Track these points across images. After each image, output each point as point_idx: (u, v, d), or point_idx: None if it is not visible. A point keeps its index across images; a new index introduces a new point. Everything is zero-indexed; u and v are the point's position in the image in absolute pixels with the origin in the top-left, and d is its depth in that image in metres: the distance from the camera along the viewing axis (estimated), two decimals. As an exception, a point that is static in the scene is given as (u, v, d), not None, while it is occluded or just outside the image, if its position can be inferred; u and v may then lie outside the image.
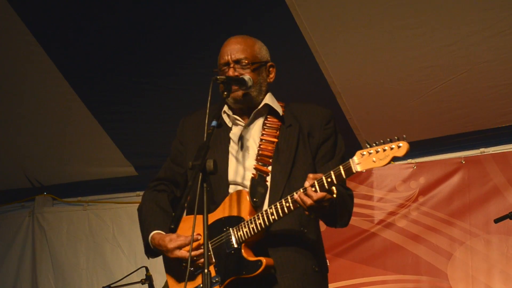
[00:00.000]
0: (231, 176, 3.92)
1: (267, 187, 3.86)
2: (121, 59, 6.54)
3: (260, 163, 3.91)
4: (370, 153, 3.45)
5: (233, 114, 4.06)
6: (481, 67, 5.97)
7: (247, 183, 3.88)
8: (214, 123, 3.68)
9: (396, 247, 6.76)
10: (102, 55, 6.55)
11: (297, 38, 5.96)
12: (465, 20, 5.66)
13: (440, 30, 5.77)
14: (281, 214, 3.66)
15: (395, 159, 3.46)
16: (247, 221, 3.74)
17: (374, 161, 3.44)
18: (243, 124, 4.02)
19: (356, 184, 6.89)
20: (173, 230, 3.44)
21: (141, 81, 6.73)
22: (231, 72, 3.95)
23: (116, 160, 7.67)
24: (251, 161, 3.92)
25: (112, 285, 6.75)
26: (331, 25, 5.93)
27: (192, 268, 3.82)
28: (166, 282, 4.11)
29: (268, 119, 4.02)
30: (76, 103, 7.02)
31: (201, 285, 3.71)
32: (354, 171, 3.49)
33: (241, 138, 3.99)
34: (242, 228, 3.74)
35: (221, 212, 3.84)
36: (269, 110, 4.04)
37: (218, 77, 3.89)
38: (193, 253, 3.75)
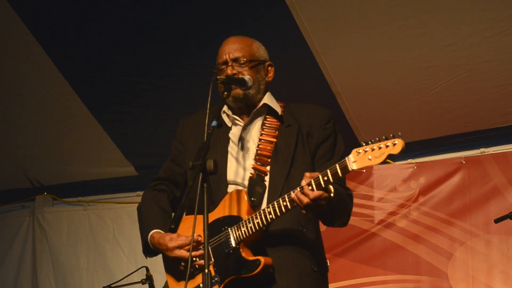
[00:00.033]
0: (230, 176, 3.93)
1: (266, 187, 3.86)
2: (121, 59, 6.54)
3: (258, 163, 3.91)
4: (365, 151, 3.46)
5: (233, 114, 4.06)
6: (481, 67, 5.97)
7: (246, 183, 3.89)
8: (214, 123, 3.70)
9: (396, 247, 6.76)
10: (102, 55, 6.55)
11: (297, 38, 5.96)
12: (465, 20, 5.66)
13: (440, 30, 5.76)
14: (278, 213, 3.66)
15: (390, 156, 3.46)
16: (245, 221, 3.74)
17: (370, 159, 3.44)
18: (242, 124, 4.03)
19: (356, 184, 6.89)
20: (173, 230, 3.44)
21: (141, 81, 6.73)
22: (229, 71, 3.97)
23: (116, 160, 7.67)
24: (250, 161, 3.93)
25: (112, 285, 6.75)
26: (331, 25, 5.92)
27: (192, 270, 3.83)
28: (166, 282, 4.11)
29: (267, 119, 4.03)
30: (76, 103, 7.02)
31: (201, 285, 3.74)
32: (350, 169, 3.49)
33: (240, 138, 4.00)
34: (240, 227, 3.75)
35: (220, 211, 3.85)
36: (268, 110, 4.05)
37: (218, 77, 3.91)
38: (193, 253, 3.76)
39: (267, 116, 4.04)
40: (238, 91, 3.95)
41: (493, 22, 5.62)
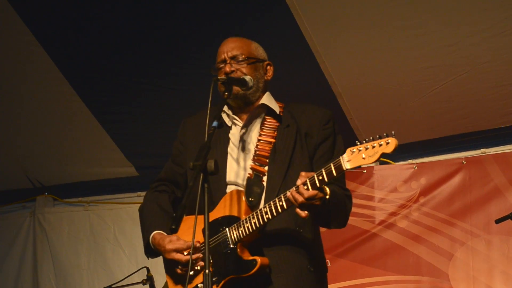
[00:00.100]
0: (229, 177, 3.93)
1: (264, 187, 3.86)
2: (122, 59, 6.55)
3: (257, 163, 3.91)
4: (359, 150, 3.45)
5: (233, 113, 4.07)
6: (482, 68, 5.96)
7: (245, 183, 3.90)
8: (215, 123, 3.70)
9: (397, 248, 6.75)
10: (102, 55, 6.55)
11: (297, 38, 5.96)
12: (465, 20, 5.66)
13: (440, 30, 5.76)
14: (275, 213, 3.66)
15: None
16: (243, 221, 3.75)
17: (364, 158, 3.44)
18: (241, 125, 4.04)
19: (357, 185, 6.89)
20: (174, 231, 3.43)
21: (141, 81, 6.73)
22: (227, 68, 3.99)
23: (117, 161, 7.67)
24: (248, 162, 3.93)
25: (113, 286, 6.76)
26: (332, 25, 5.92)
27: (192, 272, 3.84)
28: (166, 283, 4.12)
29: (267, 119, 4.04)
30: (76, 103, 7.03)
31: (199, 285, 3.75)
32: (344, 168, 3.48)
33: (240, 139, 4.01)
34: (238, 227, 3.75)
35: (218, 212, 3.85)
36: (268, 111, 4.05)
37: (219, 77, 3.92)
38: (187, 257, 3.80)
39: (267, 117, 4.04)
40: (237, 89, 3.95)
41: (494, 22, 5.61)
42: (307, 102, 4.20)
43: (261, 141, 3.97)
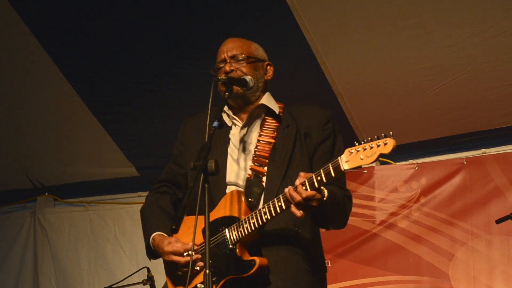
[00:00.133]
0: (229, 177, 3.93)
1: (263, 188, 3.86)
2: (122, 59, 6.56)
3: (256, 164, 3.92)
4: (358, 151, 3.45)
5: (233, 114, 4.07)
6: (482, 68, 5.96)
7: (244, 183, 3.90)
8: (215, 123, 3.69)
9: (397, 248, 6.75)
10: (102, 55, 6.56)
11: (298, 38, 5.96)
12: (466, 20, 5.65)
13: (441, 30, 5.76)
14: (273, 214, 3.66)
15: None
16: (242, 221, 3.75)
17: (362, 159, 3.44)
18: (241, 125, 4.04)
19: (357, 185, 6.89)
20: (175, 231, 3.44)
21: (141, 81, 6.74)
22: (227, 67, 3.99)
23: (117, 161, 7.67)
24: (248, 162, 3.93)
25: (113, 286, 6.77)
26: (332, 26, 5.92)
27: (192, 273, 3.84)
28: (166, 283, 4.12)
29: (267, 120, 4.04)
30: (77, 103, 7.03)
31: (198, 285, 3.74)
32: (342, 169, 3.48)
33: (239, 139, 4.01)
34: (237, 228, 3.75)
35: (218, 212, 3.85)
36: (267, 111, 4.05)
37: (220, 77, 3.93)
38: (185, 259, 3.82)
39: (266, 117, 4.05)
40: (237, 88, 3.95)
41: (494, 23, 5.61)
42: (307, 102, 4.20)
43: (261, 141, 3.97)
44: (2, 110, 7.23)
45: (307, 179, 3.54)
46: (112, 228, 8.08)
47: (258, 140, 3.97)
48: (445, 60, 5.96)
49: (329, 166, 3.51)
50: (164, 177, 4.27)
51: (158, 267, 4.17)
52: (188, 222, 3.76)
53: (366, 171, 6.90)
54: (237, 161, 3.97)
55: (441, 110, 6.40)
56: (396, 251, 6.75)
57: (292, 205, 3.58)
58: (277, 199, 3.65)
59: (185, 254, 3.84)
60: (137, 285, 6.65)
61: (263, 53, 4.14)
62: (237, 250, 3.74)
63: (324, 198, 3.61)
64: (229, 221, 3.80)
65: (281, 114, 4.05)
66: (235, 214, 3.80)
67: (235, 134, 4.04)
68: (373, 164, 6.88)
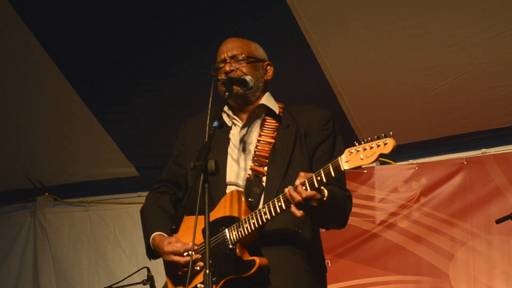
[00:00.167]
0: (229, 177, 3.94)
1: (263, 188, 3.86)
2: (122, 59, 6.56)
3: (256, 164, 3.92)
4: (358, 151, 3.45)
5: (233, 114, 4.08)
6: (482, 68, 5.96)
7: (244, 183, 3.90)
8: (215, 123, 3.70)
9: (397, 248, 6.75)
10: (102, 55, 6.56)
11: (298, 38, 5.96)
12: (466, 20, 5.65)
13: (441, 30, 5.76)
14: (273, 214, 3.66)
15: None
16: (242, 221, 3.75)
17: (362, 159, 3.44)
18: (241, 125, 4.04)
19: (357, 185, 6.89)
20: (175, 231, 3.44)
21: (141, 81, 6.74)
22: (227, 67, 4.00)
23: (117, 161, 7.67)
24: (248, 162, 3.94)
25: (113, 286, 6.77)
26: (332, 26, 5.92)
27: (192, 273, 3.84)
28: (166, 283, 4.13)
29: (267, 120, 4.04)
30: (77, 103, 7.03)
31: (198, 285, 3.74)
32: (342, 169, 3.48)
33: (239, 139, 4.01)
34: (237, 228, 3.76)
35: (218, 212, 3.85)
36: (267, 111, 4.05)
37: (220, 77, 3.93)
38: (185, 259, 3.83)
39: (266, 117, 4.05)
40: (237, 88, 3.95)
41: (494, 23, 5.61)
42: (307, 102, 4.20)
43: (261, 141, 3.97)
44: (2, 110, 7.23)
45: (307, 179, 3.54)
46: (112, 228, 8.08)
47: (258, 140, 3.97)
48: (445, 60, 5.96)
49: (329, 166, 3.51)
50: (164, 177, 4.28)
51: (158, 267, 4.17)
52: (188, 222, 3.76)
53: (366, 171, 6.90)
54: (237, 161, 3.97)
55: (441, 110, 6.40)
56: (396, 251, 6.75)
57: (292, 205, 3.58)
58: (277, 199, 3.65)
59: (185, 254, 3.84)
60: (137, 285, 6.65)
61: (263, 53, 4.14)
62: (237, 250, 3.74)
63: (324, 198, 3.61)
64: (229, 221, 3.80)
65: (281, 114, 4.05)
66: (235, 214, 3.80)
67: (235, 134, 4.04)
68: (373, 164, 6.88)
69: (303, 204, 3.56)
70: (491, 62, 5.89)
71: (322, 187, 3.58)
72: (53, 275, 8.18)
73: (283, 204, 3.64)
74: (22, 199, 8.44)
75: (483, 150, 6.66)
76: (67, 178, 8.06)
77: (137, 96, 6.88)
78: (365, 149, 3.44)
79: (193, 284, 3.84)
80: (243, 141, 4.00)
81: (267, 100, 4.06)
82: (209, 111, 3.74)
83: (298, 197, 3.55)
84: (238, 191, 3.87)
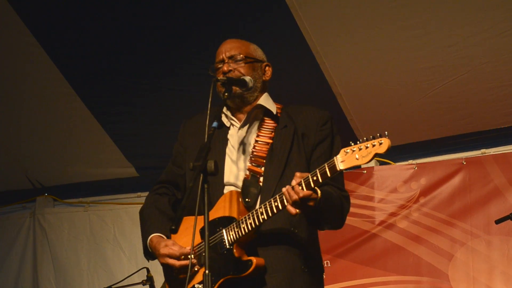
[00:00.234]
0: (226, 177, 3.94)
1: (260, 188, 3.87)
2: (121, 59, 6.56)
3: (253, 164, 3.92)
4: (353, 151, 3.47)
5: (232, 114, 4.08)
6: (482, 68, 5.96)
7: (241, 184, 3.91)
8: (215, 124, 3.71)
9: (397, 248, 6.74)
10: (102, 55, 6.56)
11: (297, 38, 5.96)
12: (465, 21, 5.65)
13: (440, 31, 5.76)
14: (270, 214, 3.67)
15: (378, 155, 3.45)
16: (239, 221, 3.76)
17: (357, 159, 3.45)
18: (238, 125, 4.05)
19: (357, 185, 6.88)
20: (174, 231, 3.45)
21: (141, 81, 6.73)
22: (225, 68, 4.01)
23: (117, 161, 7.67)
24: (246, 162, 3.95)
25: (113, 286, 6.78)
26: (332, 26, 5.93)
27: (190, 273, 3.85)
28: (164, 283, 4.13)
29: (265, 120, 4.05)
30: (77, 103, 7.03)
31: (196, 285, 3.76)
32: (338, 169, 3.49)
33: (237, 139, 4.02)
34: (234, 228, 3.76)
35: (215, 212, 3.85)
36: (265, 111, 4.06)
37: (219, 78, 3.94)
38: (180, 262, 3.85)
39: (264, 118, 4.05)
40: (235, 88, 3.96)
41: (494, 23, 5.61)
42: (307, 102, 4.21)
43: (259, 142, 3.98)
44: (2, 110, 7.23)
45: (303, 179, 3.56)
46: (111, 229, 8.07)
47: (256, 141, 3.98)
48: (445, 60, 5.96)
49: (325, 166, 3.53)
50: (163, 178, 4.28)
51: (157, 268, 4.17)
52: (186, 222, 3.75)
53: (365, 172, 6.90)
54: (235, 162, 3.98)
55: (441, 110, 6.40)
56: (395, 251, 6.75)
57: (288, 204, 3.60)
58: (273, 199, 3.66)
59: (181, 257, 3.85)
60: (136, 285, 6.67)
61: (261, 54, 4.15)
62: (234, 250, 3.75)
63: (318, 196, 3.61)
64: (227, 221, 3.80)
65: (279, 115, 4.06)
66: (232, 214, 3.80)
67: (233, 135, 4.05)
68: (372, 165, 6.89)
69: (300, 203, 3.57)
70: (491, 62, 5.89)
71: (316, 187, 3.58)
72: (53, 276, 8.17)
73: (279, 204, 3.64)
74: (21, 200, 8.43)
75: (483, 150, 6.65)
76: (67, 178, 8.05)
77: (137, 96, 6.88)
78: (360, 149, 3.45)
79: (190, 285, 3.84)
80: (240, 142, 4.01)
81: (265, 100, 4.06)
82: (208, 112, 3.74)
83: (295, 196, 3.55)
84: (235, 192, 3.87)
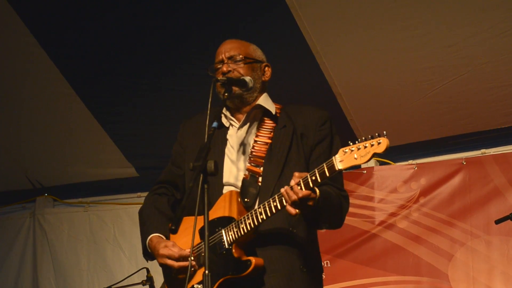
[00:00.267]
0: (226, 178, 3.95)
1: (259, 188, 3.87)
2: (122, 59, 6.55)
3: (252, 164, 3.93)
4: (352, 151, 3.48)
5: (231, 115, 4.09)
6: (482, 68, 5.96)
7: (240, 184, 3.91)
8: (215, 124, 3.72)
9: (397, 248, 6.74)
10: (102, 55, 6.56)
11: (297, 38, 5.96)
12: (465, 21, 5.65)
13: (441, 30, 5.76)
14: (269, 214, 3.67)
15: (376, 155, 3.46)
16: (238, 221, 3.76)
17: (356, 158, 3.46)
18: (238, 126, 4.05)
19: (357, 185, 6.88)
20: (174, 231, 3.45)
21: (141, 81, 6.73)
22: (224, 68, 4.02)
23: (117, 161, 7.67)
24: (245, 162, 3.95)
25: (113, 286, 6.78)
26: (332, 26, 5.92)
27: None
28: (164, 283, 4.14)
29: (264, 120, 4.05)
30: (76, 103, 7.03)
31: (195, 285, 3.77)
32: (336, 168, 3.50)
33: (237, 140, 4.03)
34: (233, 228, 3.76)
35: (214, 213, 3.85)
36: (264, 111, 4.06)
37: (219, 78, 3.94)
38: (179, 264, 3.85)
39: (264, 118, 4.06)
40: (235, 88, 3.96)
41: (494, 23, 5.61)
42: (307, 102, 4.21)
43: (258, 142, 3.98)
44: (2, 110, 7.23)
45: (302, 179, 3.56)
46: (111, 229, 8.07)
47: (255, 141, 3.99)
48: (445, 60, 5.96)
49: (323, 165, 3.53)
50: (162, 179, 4.29)
51: (157, 268, 4.17)
52: (186, 222, 3.75)
53: (365, 172, 6.90)
54: (234, 162, 3.98)
55: (441, 110, 6.40)
56: (395, 251, 6.75)
57: (287, 204, 3.60)
58: (272, 199, 3.66)
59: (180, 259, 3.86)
60: (136, 285, 6.67)
61: (261, 54, 4.15)
62: (233, 251, 3.75)
63: (317, 198, 3.62)
64: (226, 221, 3.80)
65: (278, 115, 4.06)
66: (232, 214, 3.81)
67: (232, 135, 4.05)
68: (372, 165, 6.89)
69: (299, 203, 3.57)
70: (491, 62, 5.88)
71: (314, 187, 3.58)
72: (53, 276, 8.18)
73: (278, 204, 3.65)
74: (21, 200, 8.43)
75: (483, 150, 6.65)
76: (67, 178, 8.05)
77: (137, 96, 6.88)
78: (359, 149, 3.45)
79: (190, 285, 3.84)
80: (240, 142, 4.01)
81: (264, 100, 4.07)
82: (208, 112, 3.75)
83: (294, 196, 3.56)
84: (234, 192, 3.87)
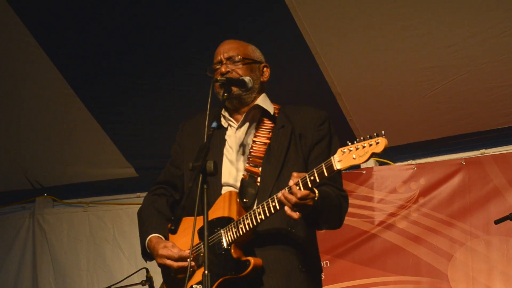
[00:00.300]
0: (224, 178, 3.95)
1: (258, 188, 3.88)
2: (121, 59, 6.56)
3: (251, 164, 3.93)
4: (350, 150, 3.48)
5: (229, 115, 4.09)
6: (482, 68, 5.96)
7: (239, 184, 3.91)
8: (214, 124, 3.72)
9: (396, 248, 6.74)
10: (102, 55, 6.56)
11: (297, 38, 5.96)
12: (465, 21, 5.65)
13: (440, 31, 5.76)
14: (268, 214, 3.68)
15: (375, 155, 3.46)
16: (236, 222, 3.76)
17: (354, 158, 3.46)
18: (236, 126, 4.06)
19: (356, 185, 6.88)
20: (173, 231, 3.45)
21: (141, 81, 6.73)
22: (223, 69, 4.02)
23: (116, 162, 7.67)
24: (243, 163, 3.95)
25: (112, 287, 6.77)
26: (331, 26, 5.92)
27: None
28: (163, 283, 4.14)
29: (262, 120, 4.05)
30: (76, 104, 7.03)
31: (194, 286, 3.78)
32: (335, 168, 3.50)
33: (235, 140, 4.03)
34: (231, 228, 3.77)
35: (213, 213, 3.85)
36: (263, 112, 4.06)
37: (218, 79, 3.94)
38: (178, 264, 3.86)
39: (262, 118, 4.06)
40: (235, 89, 3.97)
41: (494, 23, 5.61)
42: (306, 102, 4.21)
43: (256, 142, 3.99)
44: (2, 110, 7.23)
45: (301, 179, 3.56)
46: (111, 229, 8.07)
47: (254, 141, 3.99)
48: (445, 60, 5.96)
49: (322, 165, 3.53)
50: (161, 179, 4.30)
51: (157, 268, 4.17)
52: (185, 222, 3.76)
53: (365, 172, 6.90)
54: (233, 162, 3.98)
55: (441, 110, 6.40)
56: (395, 251, 6.74)
57: (287, 208, 3.59)
58: (271, 199, 3.66)
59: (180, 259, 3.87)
60: (136, 285, 6.66)
61: (260, 55, 4.16)
62: (232, 251, 3.76)
63: (316, 198, 3.62)
64: (224, 222, 3.81)
65: (276, 115, 4.06)
66: (231, 215, 3.81)
67: (230, 135, 4.06)
68: (372, 165, 6.90)
69: (299, 204, 3.57)
70: (491, 62, 5.88)
71: (313, 187, 3.59)
72: (52, 276, 8.18)
73: (277, 205, 3.65)
74: (21, 200, 8.44)
75: (482, 150, 6.65)
76: (66, 179, 8.05)
77: (137, 96, 6.88)
78: (357, 149, 3.46)
79: (189, 285, 3.85)
80: (238, 142, 4.02)
81: (262, 101, 4.07)
82: (207, 112, 3.75)
83: (293, 199, 3.56)
84: (233, 192, 3.88)
